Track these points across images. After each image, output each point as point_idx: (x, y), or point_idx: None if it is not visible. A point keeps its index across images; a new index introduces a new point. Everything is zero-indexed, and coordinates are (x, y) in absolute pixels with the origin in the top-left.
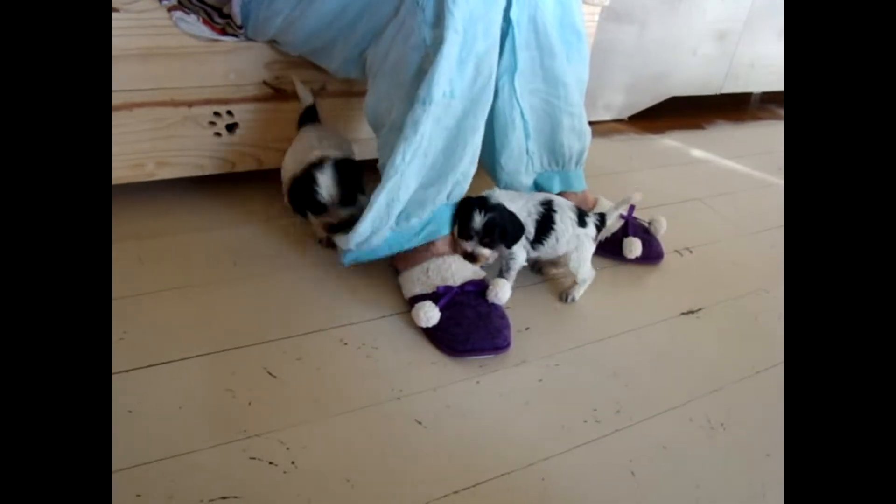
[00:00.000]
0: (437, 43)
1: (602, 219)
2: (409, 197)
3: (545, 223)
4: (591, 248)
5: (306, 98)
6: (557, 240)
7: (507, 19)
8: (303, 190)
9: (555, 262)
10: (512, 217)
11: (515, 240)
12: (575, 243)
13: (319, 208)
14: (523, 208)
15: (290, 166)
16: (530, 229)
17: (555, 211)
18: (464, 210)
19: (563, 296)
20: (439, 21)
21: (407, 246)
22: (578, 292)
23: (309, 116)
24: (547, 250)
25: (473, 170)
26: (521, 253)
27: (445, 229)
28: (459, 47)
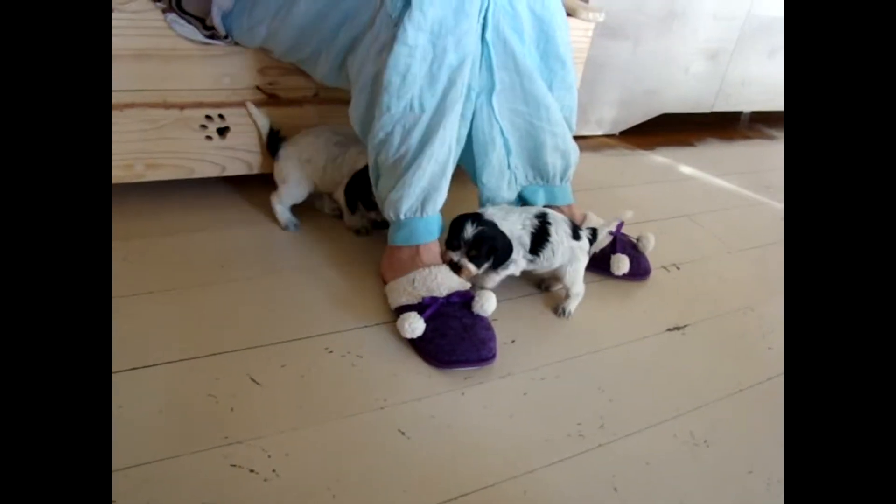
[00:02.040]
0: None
1: (594, 233)
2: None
3: (540, 235)
4: (585, 261)
5: (265, 125)
6: (554, 252)
7: (482, 40)
8: (362, 186)
9: (557, 278)
10: (503, 236)
11: (503, 260)
12: (569, 256)
13: (372, 205)
14: (517, 221)
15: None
16: (526, 241)
17: (550, 223)
18: (456, 222)
19: (560, 310)
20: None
21: (395, 239)
22: (572, 305)
23: (275, 142)
24: (543, 263)
25: (444, 183)
26: (519, 261)
27: (420, 240)
28: (429, 63)
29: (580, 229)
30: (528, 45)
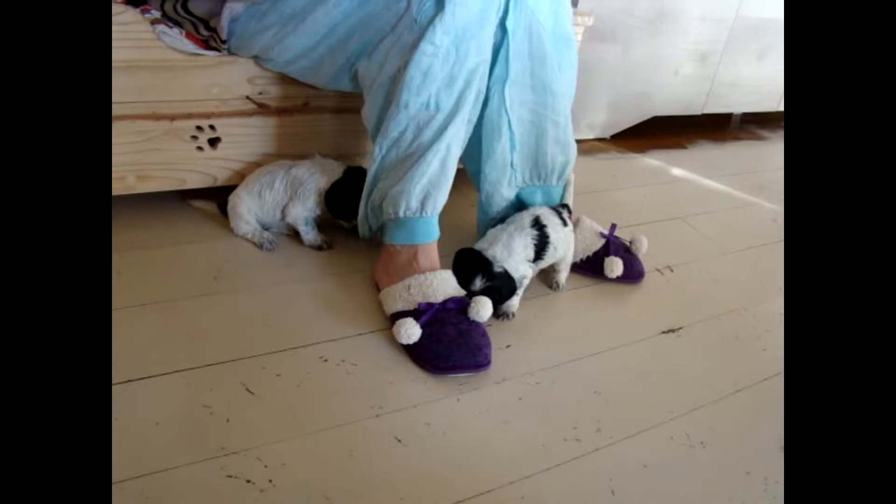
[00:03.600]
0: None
1: (568, 209)
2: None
3: (542, 240)
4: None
5: (210, 206)
6: (556, 248)
7: (502, 28)
8: (347, 194)
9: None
10: (509, 281)
11: (506, 300)
12: (566, 244)
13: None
14: (520, 246)
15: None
16: (531, 253)
17: (545, 225)
18: (465, 268)
19: (554, 284)
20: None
21: (385, 237)
22: (563, 277)
23: (224, 208)
24: (548, 260)
25: (445, 182)
26: (529, 273)
27: (419, 239)
28: (451, 65)
29: (562, 213)
30: (546, 28)
